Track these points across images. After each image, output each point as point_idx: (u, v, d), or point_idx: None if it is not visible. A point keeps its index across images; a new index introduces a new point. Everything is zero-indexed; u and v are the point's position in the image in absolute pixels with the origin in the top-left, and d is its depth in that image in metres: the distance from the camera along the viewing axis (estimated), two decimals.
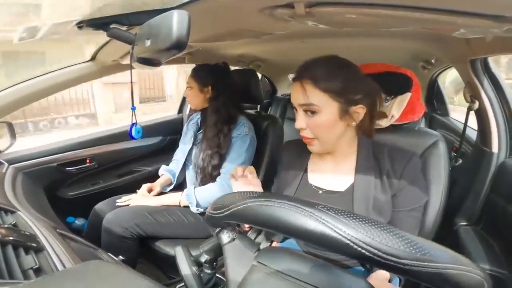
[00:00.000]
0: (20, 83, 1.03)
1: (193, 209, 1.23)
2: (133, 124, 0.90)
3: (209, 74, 1.31)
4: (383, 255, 0.30)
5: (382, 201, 0.71)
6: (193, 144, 1.38)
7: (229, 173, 1.20)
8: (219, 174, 1.24)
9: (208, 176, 1.25)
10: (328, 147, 0.74)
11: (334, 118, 0.68)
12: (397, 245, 0.30)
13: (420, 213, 0.73)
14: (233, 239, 0.50)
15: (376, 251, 0.30)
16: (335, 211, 0.33)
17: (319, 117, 0.68)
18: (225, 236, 0.51)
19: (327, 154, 0.78)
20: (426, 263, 0.29)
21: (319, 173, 0.80)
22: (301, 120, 0.71)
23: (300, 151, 0.83)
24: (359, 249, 0.30)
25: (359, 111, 0.70)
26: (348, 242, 0.31)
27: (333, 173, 0.78)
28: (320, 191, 0.77)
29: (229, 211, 0.42)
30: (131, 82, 0.78)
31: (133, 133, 0.92)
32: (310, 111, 0.69)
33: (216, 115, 1.27)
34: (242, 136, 1.25)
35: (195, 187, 1.25)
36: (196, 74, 1.32)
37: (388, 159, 0.74)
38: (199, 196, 1.22)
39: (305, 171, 0.82)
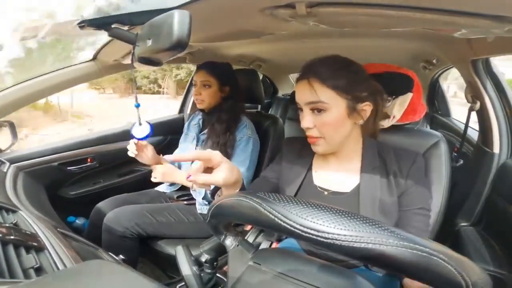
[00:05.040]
0: (20, 83, 1.04)
1: (199, 199, 1.20)
2: (136, 123, 0.82)
3: (228, 72, 1.29)
4: None
5: (388, 202, 0.70)
6: (196, 145, 1.36)
7: None
8: None
9: None
10: (334, 147, 0.73)
11: (342, 115, 0.68)
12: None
13: (428, 213, 0.73)
14: (237, 245, 0.51)
15: None
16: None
17: (327, 115, 0.67)
18: (229, 242, 0.52)
19: (331, 154, 0.77)
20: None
21: (324, 174, 0.79)
22: (308, 119, 0.69)
23: (303, 150, 0.82)
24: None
25: (366, 108, 0.70)
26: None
27: (338, 173, 0.77)
28: (326, 192, 0.76)
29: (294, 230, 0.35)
30: (134, 79, 0.78)
31: (134, 132, 0.83)
32: (318, 109, 0.68)
33: (229, 114, 1.25)
34: (246, 139, 1.23)
35: None
36: (217, 72, 1.26)
37: (395, 159, 0.73)
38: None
39: (309, 170, 0.80)
